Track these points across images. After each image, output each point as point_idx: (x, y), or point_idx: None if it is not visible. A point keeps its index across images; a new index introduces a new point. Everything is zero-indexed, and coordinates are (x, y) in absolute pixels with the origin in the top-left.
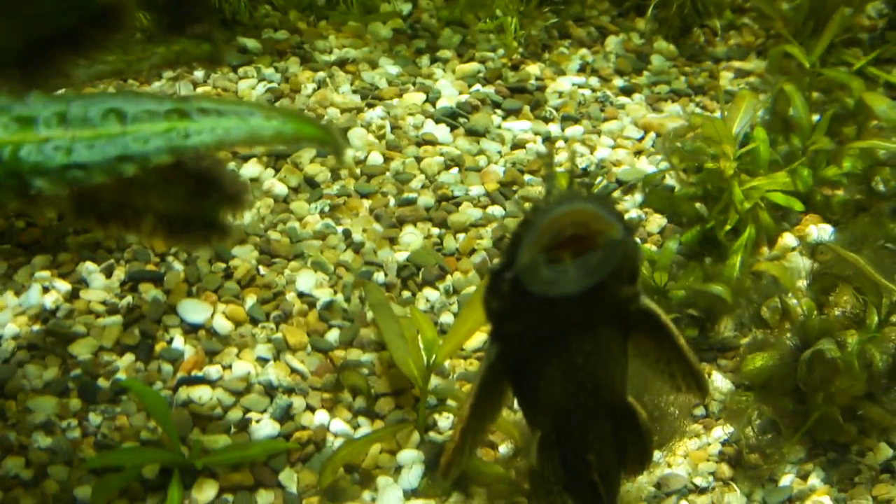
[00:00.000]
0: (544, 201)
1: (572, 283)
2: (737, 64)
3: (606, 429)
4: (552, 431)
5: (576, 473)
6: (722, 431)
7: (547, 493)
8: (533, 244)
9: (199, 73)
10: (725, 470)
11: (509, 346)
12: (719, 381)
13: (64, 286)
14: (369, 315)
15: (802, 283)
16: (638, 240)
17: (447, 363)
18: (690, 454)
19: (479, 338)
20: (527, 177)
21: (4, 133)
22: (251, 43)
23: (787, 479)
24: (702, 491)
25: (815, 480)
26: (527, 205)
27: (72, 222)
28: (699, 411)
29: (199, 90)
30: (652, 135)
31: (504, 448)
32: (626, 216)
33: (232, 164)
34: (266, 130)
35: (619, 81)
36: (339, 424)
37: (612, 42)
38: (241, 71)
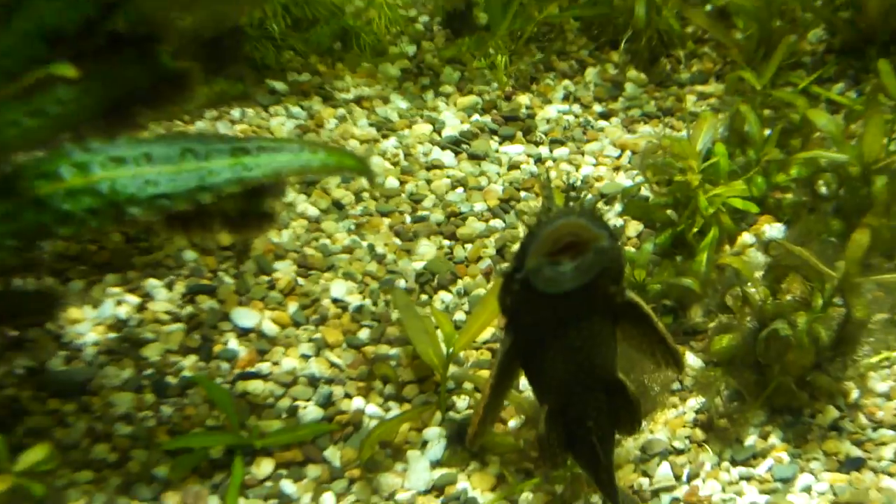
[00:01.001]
0: (545, 216)
1: (570, 281)
2: (699, 88)
3: (602, 400)
4: (557, 404)
5: (578, 437)
6: (695, 402)
7: (552, 456)
8: (537, 251)
9: (235, 113)
10: (699, 434)
11: (521, 335)
12: (691, 360)
13: (133, 299)
14: (394, 315)
15: (759, 274)
16: (621, 249)
17: (462, 354)
18: (669, 422)
19: (489, 332)
20: (522, 193)
21: (102, 171)
22: (279, 85)
23: (751, 440)
24: (680, 452)
25: (774, 439)
26: (527, 218)
27: (162, 233)
28: (675, 386)
29: (237, 128)
30: (628, 153)
31: (513, 422)
32: (611, 225)
33: None
34: (314, 162)
35: (597, 107)
36: (372, 408)
37: (590, 73)
38: (271, 110)
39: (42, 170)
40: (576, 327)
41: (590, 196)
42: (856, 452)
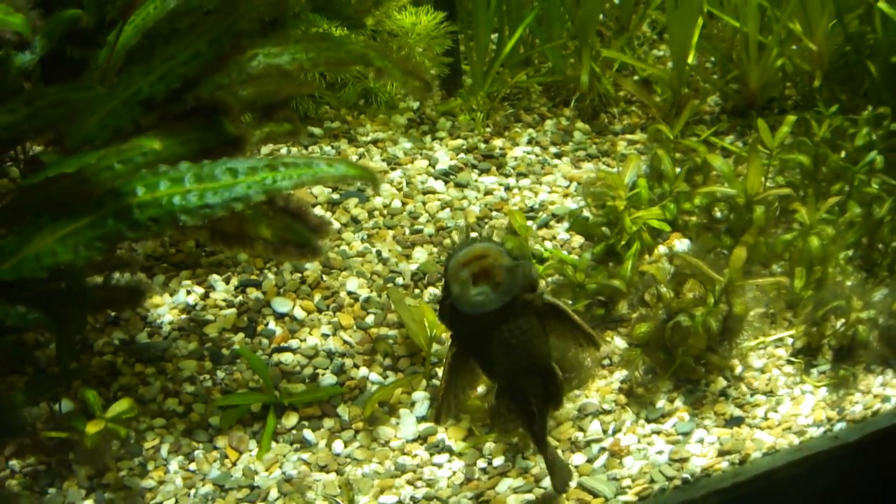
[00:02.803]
0: (453, 249)
1: (493, 304)
2: (628, 136)
3: (538, 381)
4: (504, 384)
5: (522, 407)
6: (620, 374)
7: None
8: (452, 279)
9: (284, 150)
10: (623, 398)
11: (463, 341)
12: (618, 342)
13: (200, 290)
14: (393, 305)
15: (669, 278)
16: (530, 263)
17: (443, 335)
18: (600, 389)
19: None
20: (493, 213)
21: (164, 188)
22: (317, 130)
23: (661, 403)
24: (607, 412)
25: (678, 403)
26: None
27: (209, 245)
28: (605, 362)
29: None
30: (574, 184)
31: (481, 389)
32: (513, 250)
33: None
34: (327, 173)
35: (553, 149)
36: (374, 376)
37: (548, 124)
38: (311, 149)
39: (123, 189)
40: (508, 329)
41: (544, 215)
42: (737, 413)
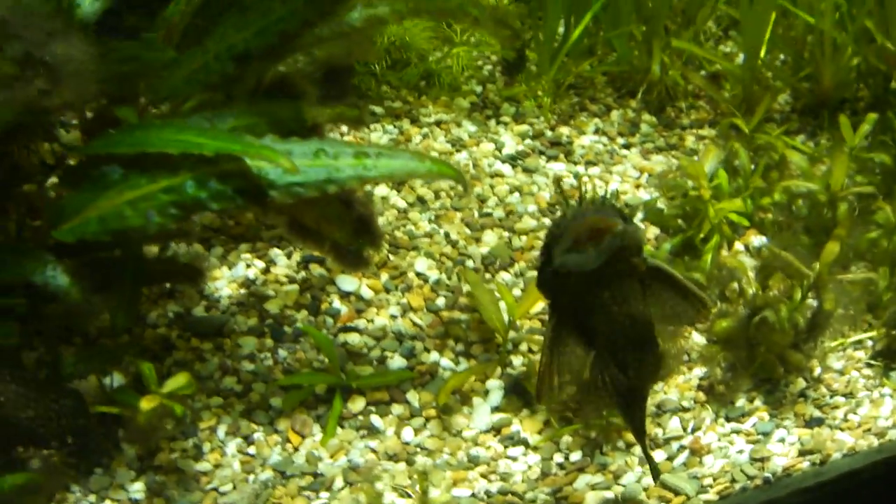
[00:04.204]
0: (565, 216)
1: (594, 262)
2: (696, 131)
3: (640, 355)
4: (605, 354)
5: (620, 383)
6: (699, 371)
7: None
8: (565, 246)
9: (344, 128)
10: (702, 396)
11: (563, 311)
12: (697, 338)
13: (260, 264)
14: (465, 288)
15: (751, 273)
16: (640, 226)
17: (519, 322)
18: (679, 386)
19: (540, 305)
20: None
21: (252, 160)
22: (378, 109)
23: (740, 402)
24: (686, 410)
25: (758, 402)
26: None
27: (285, 237)
28: (685, 358)
29: (346, 139)
30: (646, 175)
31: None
32: (625, 211)
33: (368, 187)
34: (420, 169)
35: (620, 140)
36: (446, 361)
37: (614, 114)
38: (372, 127)
39: (202, 154)
40: (610, 295)
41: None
42: (817, 414)
